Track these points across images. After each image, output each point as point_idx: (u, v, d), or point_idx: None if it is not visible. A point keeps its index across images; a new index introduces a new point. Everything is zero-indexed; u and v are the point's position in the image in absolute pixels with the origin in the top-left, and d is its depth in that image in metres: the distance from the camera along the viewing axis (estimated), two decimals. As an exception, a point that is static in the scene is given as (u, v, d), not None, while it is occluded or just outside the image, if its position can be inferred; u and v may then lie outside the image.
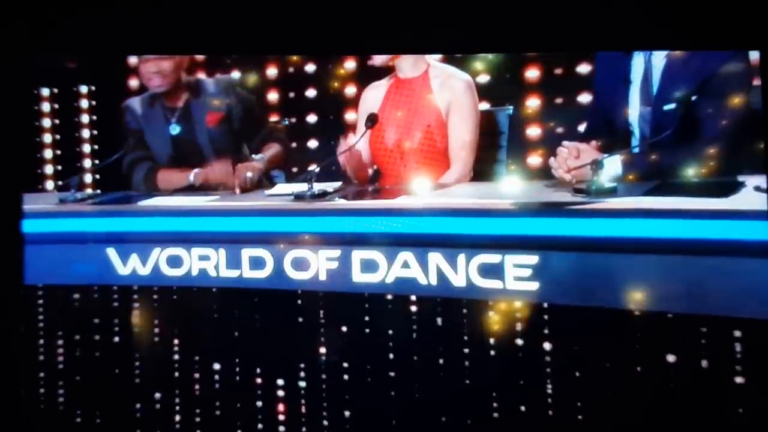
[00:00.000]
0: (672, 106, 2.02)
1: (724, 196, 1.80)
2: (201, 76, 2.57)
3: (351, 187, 2.32)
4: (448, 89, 2.32)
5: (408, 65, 2.37)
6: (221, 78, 2.56)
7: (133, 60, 2.48)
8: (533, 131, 2.25)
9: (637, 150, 2.09)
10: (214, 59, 2.55)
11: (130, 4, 2.19)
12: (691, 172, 1.98)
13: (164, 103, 2.54)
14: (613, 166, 2.03)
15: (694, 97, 1.99)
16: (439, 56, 2.35)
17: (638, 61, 2.10)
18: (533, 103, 2.25)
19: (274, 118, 2.55)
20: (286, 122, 2.57)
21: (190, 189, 2.42)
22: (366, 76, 2.43)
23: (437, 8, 2.10)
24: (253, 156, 2.47)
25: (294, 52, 2.47)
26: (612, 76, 2.14)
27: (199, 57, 2.54)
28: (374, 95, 2.41)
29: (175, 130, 2.52)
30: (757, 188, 1.84)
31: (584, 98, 2.21)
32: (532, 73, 2.26)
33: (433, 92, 2.33)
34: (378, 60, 2.38)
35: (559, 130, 2.22)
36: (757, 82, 1.96)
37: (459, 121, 2.30)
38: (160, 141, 2.53)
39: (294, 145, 2.53)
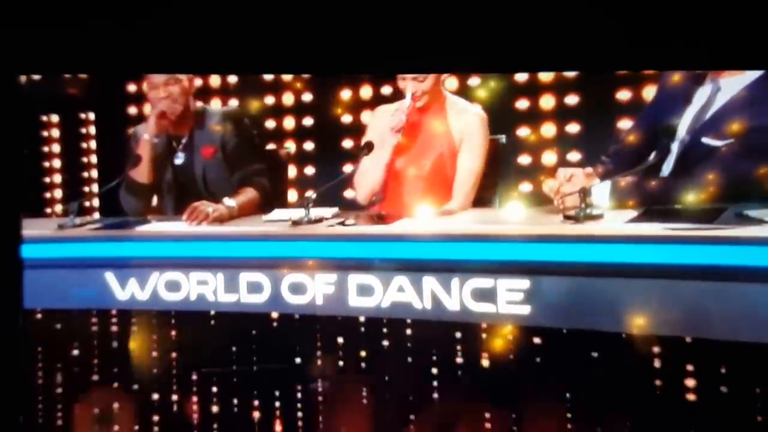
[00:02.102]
0: (710, 141, 2.03)
1: (711, 222, 1.86)
2: (205, 104, 2.51)
3: (348, 213, 2.36)
4: (463, 121, 2.34)
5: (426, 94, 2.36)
6: (223, 108, 2.51)
7: (132, 87, 2.52)
8: (524, 159, 2.32)
9: (631, 176, 2.11)
10: (219, 86, 2.51)
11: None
12: (685, 200, 2.02)
13: (170, 131, 2.48)
14: (602, 193, 2.09)
15: (731, 140, 2.00)
16: (454, 88, 2.38)
17: (705, 89, 2.08)
18: (524, 132, 2.32)
19: (271, 146, 2.58)
20: (289, 149, 2.57)
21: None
22: (360, 104, 2.47)
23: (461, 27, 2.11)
24: (224, 200, 2.36)
25: (303, 72, 2.46)
26: (674, 94, 2.13)
27: (204, 82, 2.50)
28: (390, 120, 2.36)
29: (179, 159, 2.48)
30: (738, 215, 1.90)
31: (573, 128, 2.29)
32: (523, 104, 2.33)
33: (449, 122, 2.36)
34: (401, 85, 2.35)
35: (552, 158, 2.29)
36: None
37: (469, 154, 2.33)
38: (164, 170, 2.48)
39: (294, 172, 2.55)
